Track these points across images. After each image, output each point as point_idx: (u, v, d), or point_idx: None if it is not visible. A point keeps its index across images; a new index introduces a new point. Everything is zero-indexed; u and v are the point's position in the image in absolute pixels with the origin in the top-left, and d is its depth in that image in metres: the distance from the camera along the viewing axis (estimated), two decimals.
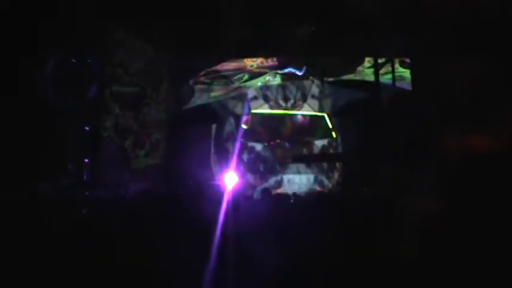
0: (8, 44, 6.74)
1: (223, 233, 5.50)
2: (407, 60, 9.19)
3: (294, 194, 8.38)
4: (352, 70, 10.03)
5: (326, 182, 11.26)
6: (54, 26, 7.58)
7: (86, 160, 7.89)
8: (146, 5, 7.92)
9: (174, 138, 9.06)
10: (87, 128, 7.99)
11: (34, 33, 7.36)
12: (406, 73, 9.41)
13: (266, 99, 11.57)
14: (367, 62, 9.72)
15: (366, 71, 10.01)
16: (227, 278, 5.14)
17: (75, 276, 4.60)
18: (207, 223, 5.70)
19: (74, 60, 7.85)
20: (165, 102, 8.75)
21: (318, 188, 10.87)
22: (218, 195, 6.55)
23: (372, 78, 9.51)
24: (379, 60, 8.83)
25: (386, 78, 9.22)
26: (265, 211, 6.52)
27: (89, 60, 7.99)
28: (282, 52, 9.45)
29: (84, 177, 7.71)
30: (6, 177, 6.23)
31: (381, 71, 9.06)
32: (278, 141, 11.58)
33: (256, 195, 8.96)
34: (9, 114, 6.66)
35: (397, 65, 9.42)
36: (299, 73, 10.17)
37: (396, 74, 8.98)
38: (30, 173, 6.91)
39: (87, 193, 6.91)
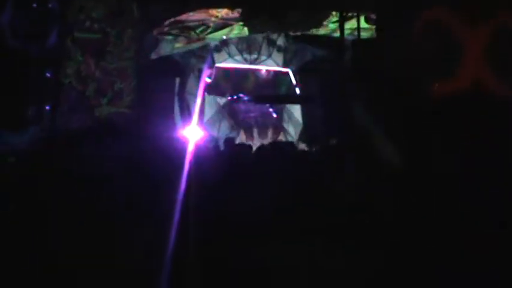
0: None
1: (188, 182, 5.51)
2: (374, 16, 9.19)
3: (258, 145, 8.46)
4: (317, 24, 10.00)
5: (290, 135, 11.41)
6: None
7: (47, 107, 7.79)
8: None
9: (138, 88, 8.93)
10: (48, 75, 7.86)
11: None
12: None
13: (230, 52, 11.53)
14: (333, 16, 9.69)
15: (330, 26, 9.99)
16: (190, 226, 5.16)
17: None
18: (170, 174, 5.70)
19: (35, 5, 7.68)
20: (129, 51, 8.60)
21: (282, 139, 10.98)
22: (181, 146, 6.55)
23: (337, 33, 9.52)
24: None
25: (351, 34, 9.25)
26: (227, 159, 6.56)
27: (49, 5, 7.82)
28: (247, 3, 9.37)
29: (45, 124, 7.62)
30: None
31: (347, 26, 9.09)
32: (241, 95, 11.60)
33: (220, 145, 8.98)
34: None
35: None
36: None
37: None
38: None
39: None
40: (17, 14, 7.62)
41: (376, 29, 8.38)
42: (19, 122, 7.42)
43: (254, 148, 7.80)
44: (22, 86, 7.55)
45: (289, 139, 11.14)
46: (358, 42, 8.37)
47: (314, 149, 8.59)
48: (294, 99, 11.74)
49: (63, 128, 7.68)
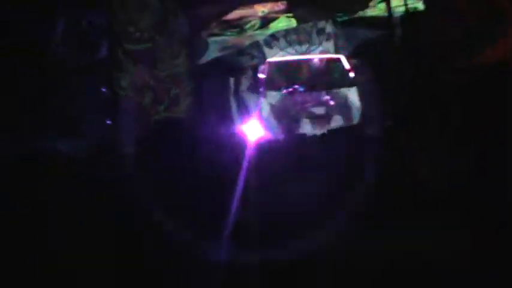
0: (17, 4, 6.82)
1: (253, 177, 5.57)
2: None
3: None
4: (364, 6, 9.87)
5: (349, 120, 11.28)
6: None
7: (108, 122, 7.99)
8: None
9: (194, 92, 9.03)
10: (103, 90, 8.06)
11: None
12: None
13: (280, 46, 11.52)
14: None
15: (378, 6, 9.83)
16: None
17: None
18: (234, 170, 5.77)
19: (85, 20, 7.91)
20: (180, 56, 8.69)
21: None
22: (243, 144, 6.62)
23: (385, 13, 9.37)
24: None
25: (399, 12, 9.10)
26: (290, 152, 6.59)
27: (98, 20, 8.03)
28: None
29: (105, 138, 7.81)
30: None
31: (393, 5, 8.93)
32: (296, 87, 11.56)
33: (281, 139, 9.00)
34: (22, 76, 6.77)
35: None
36: None
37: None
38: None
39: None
40: (68, 30, 7.87)
41: (424, 3, 8.23)
42: (76, 131, 7.66)
43: (316, 137, 7.80)
44: (80, 97, 7.79)
45: (349, 125, 11.01)
46: (406, 18, 8.24)
47: (372, 132, 8.48)
48: (349, 85, 11.61)
49: (121, 139, 7.82)
